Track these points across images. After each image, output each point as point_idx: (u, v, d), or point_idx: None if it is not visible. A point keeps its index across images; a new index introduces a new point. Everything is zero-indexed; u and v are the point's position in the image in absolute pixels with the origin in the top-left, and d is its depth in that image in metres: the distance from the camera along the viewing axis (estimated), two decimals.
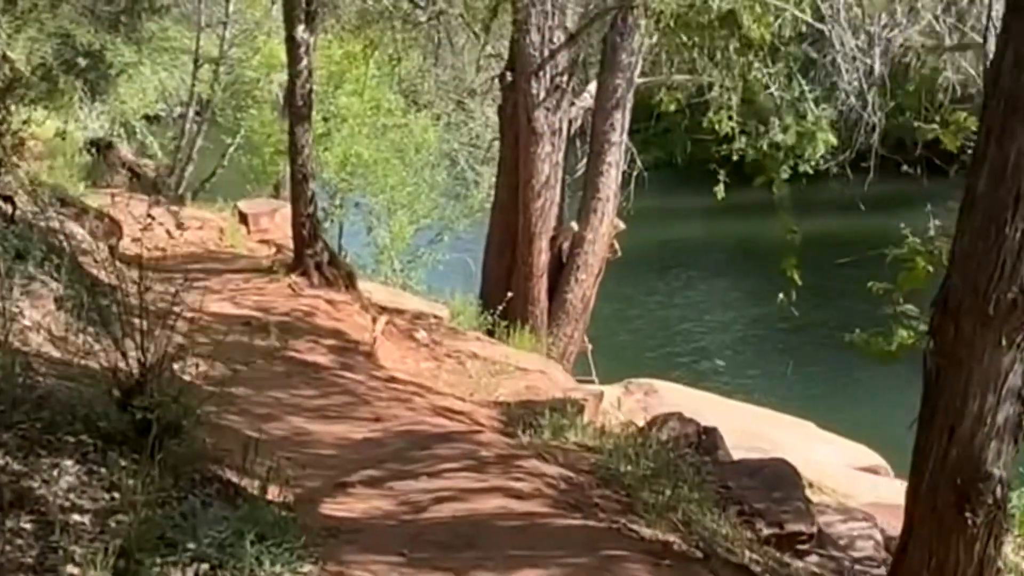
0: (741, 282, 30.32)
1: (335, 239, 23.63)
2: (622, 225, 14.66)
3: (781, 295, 10.09)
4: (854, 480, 11.61)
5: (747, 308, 27.92)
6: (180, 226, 8.98)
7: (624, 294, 23.38)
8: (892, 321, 8.20)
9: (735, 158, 13.05)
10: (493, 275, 14.39)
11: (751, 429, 13.17)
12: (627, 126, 14.41)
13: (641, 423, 12.22)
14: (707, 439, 9.07)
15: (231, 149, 22.98)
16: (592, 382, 15.14)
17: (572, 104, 14.48)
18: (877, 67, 12.49)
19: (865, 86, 12.94)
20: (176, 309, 5.31)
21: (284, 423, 6.76)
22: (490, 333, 12.45)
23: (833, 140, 13.00)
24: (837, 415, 19.59)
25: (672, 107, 13.37)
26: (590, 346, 14.92)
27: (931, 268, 7.64)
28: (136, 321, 5.03)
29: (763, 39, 10.58)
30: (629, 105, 14.32)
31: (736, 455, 12.42)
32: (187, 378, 5.45)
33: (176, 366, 5.14)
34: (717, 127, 12.14)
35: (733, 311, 27.81)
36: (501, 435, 7.15)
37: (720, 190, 13.51)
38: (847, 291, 30.18)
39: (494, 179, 20.44)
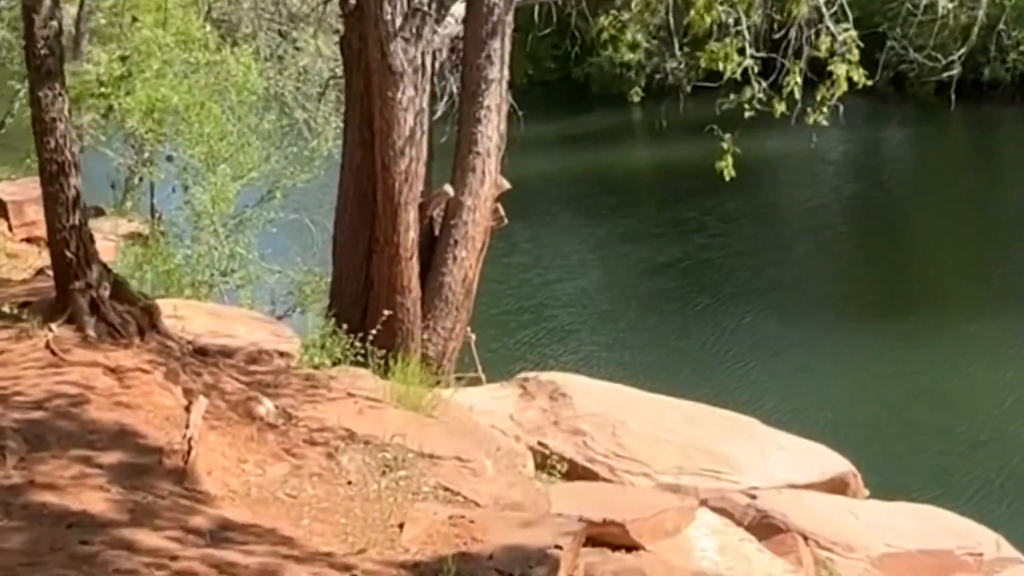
0: (614, 225, 27.50)
1: (146, 200, 20.25)
2: (507, 184, 11.58)
3: None
4: (844, 522, 8.83)
5: (630, 257, 25.24)
6: None
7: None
8: None
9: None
10: (348, 258, 11.22)
11: (693, 441, 10.32)
12: (507, 58, 11.30)
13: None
14: None
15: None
16: (478, 381, 12.16)
17: (435, 33, 11.30)
18: None
19: None
20: None
21: None
22: (360, 362, 9.40)
23: None
24: (765, 394, 17.04)
25: None
26: (473, 336, 11.90)
27: None
28: None
29: None
30: (509, 31, 11.21)
31: (693, 482, 9.59)
32: None
33: None
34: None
35: (615, 267, 25.04)
36: None
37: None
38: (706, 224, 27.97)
39: (336, 125, 17.23)
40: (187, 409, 5.79)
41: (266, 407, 6.20)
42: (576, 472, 9.81)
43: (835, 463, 10.64)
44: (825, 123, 11.08)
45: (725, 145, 11.51)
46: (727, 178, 11.34)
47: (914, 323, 20.13)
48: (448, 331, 11.27)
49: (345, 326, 11.04)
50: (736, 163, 11.63)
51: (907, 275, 23.58)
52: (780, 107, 11.01)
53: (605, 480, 9.63)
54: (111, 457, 5.25)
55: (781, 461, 10.32)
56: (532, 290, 23.25)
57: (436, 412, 7.62)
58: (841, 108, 11.45)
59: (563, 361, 18.94)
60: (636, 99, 17.98)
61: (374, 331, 10.12)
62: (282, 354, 8.11)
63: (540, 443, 10.17)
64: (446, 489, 5.85)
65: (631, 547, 7.19)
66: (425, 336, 11.15)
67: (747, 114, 11.27)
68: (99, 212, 20.77)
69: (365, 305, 11.09)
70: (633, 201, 30.80)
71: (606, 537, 7.08)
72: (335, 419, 6.29)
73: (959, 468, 14.43)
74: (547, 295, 23.18)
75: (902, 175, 31.45)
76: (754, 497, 8.92)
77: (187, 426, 5.58)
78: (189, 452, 5.36)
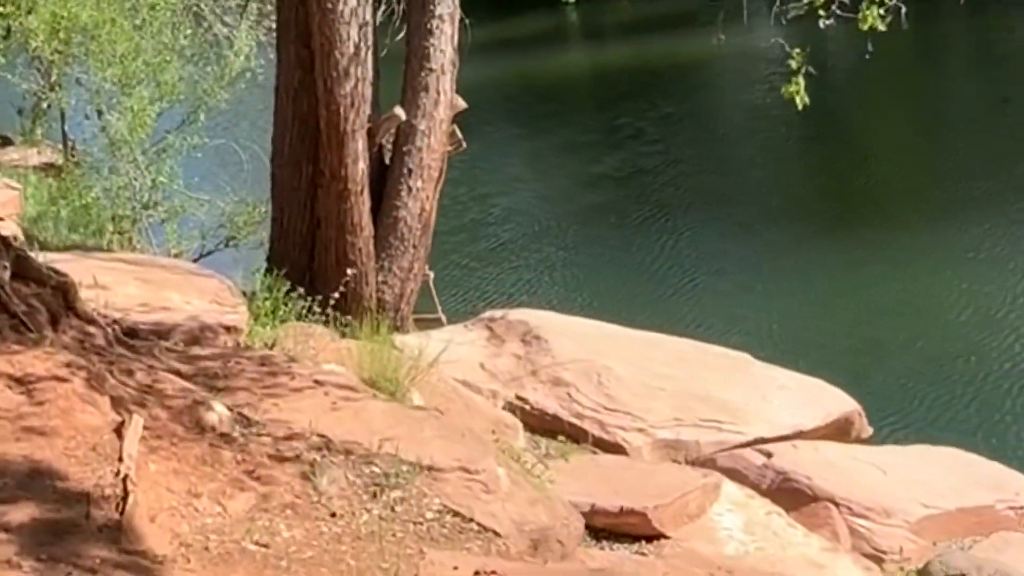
0: (549, 135, 26.18)
1: (57, 127, 18.70)
2: (463, 104, 10.33)
3: None
4: (874, 481, 7.80)
5: (567, 169, 23.99)
6: None
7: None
8: None
9: None
10: (290, 195, 9.94)
11: (687, 386, 9.28)
12: None
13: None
14: None
15: None
16: (438, 322, 11.01)
17: None
18: None
19: None
20: None
21: None
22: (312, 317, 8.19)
23: None
24: (722, 316, 15.93)
25: None
26: (431, 274, 10.72)
27: None
28: None
29: None
30: None
31: (693, 435, 8.52)
32: None
33: None
34: None
35: (554, 180, 23.74)
36: None
37: None
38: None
39: (260, 41, 15.81)
40: (118, 432, 4.53)
41: (218, 413, 4.98)
42: (563, 429, 8.74)
43: (838, 401, 9.66)
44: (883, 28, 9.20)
45: (794, 63, 8.90)
46: (800, 106, 8.85)
47: (867, 233, 19.16)
48: (405, 271, 10.07)
49: (289, 270, 9.86)
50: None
51: (856, 182, 22.52)
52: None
53: (597, 438, 8.56)
54: (20, 513, 3.94)
55: (783, 403, 9.30)
56: (465, 211, 21.94)
57: (417, 390, 6.43)
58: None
59: (506, 287, 17.86)
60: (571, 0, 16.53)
61: (336, 292, 8.89)
62: (228, 329, 6.84)
63: (519, 397, 9.08)
64: (455, 514, 4.69)
65: (652, 536, 6.12)
66: (380, 278, 9.95)
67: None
68: (6, 141, 19.24)
69: (312, 247, 9.87)
70: (569, 108, 29.47)
71: (624, 527, 6.02)
72: (305, 421, 5.09)
73: (939, 388, 13.49)
74: (483, 215, 21.89)
75: (850, 74, 30.37)
76: (769, 455, 7.88)
77: (120, 458, 4.34)
78: (125, 497, 4.12)
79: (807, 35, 9.72)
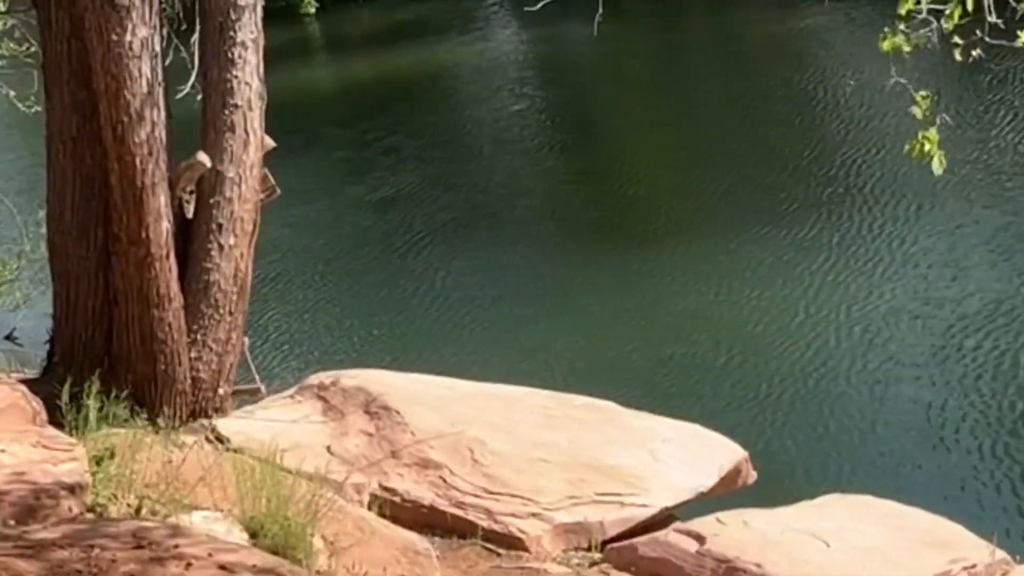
0: (299, 159, 24.49)
1: None
2: (271, 143, 8.86)
3: None
4: (822, 556, 6.77)
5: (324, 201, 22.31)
6: None
7: None
8: None
9: None
10: (77, 267, 8.21)
11: (571, 454, 8.09)
12: None
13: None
14: None
15: None
16: (256, 391, 9.52)
17: None
18: None
19: None
20: None
21: None
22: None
23: None
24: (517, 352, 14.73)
25: None
26: (246, 340, 9.19)
27: None
28: None
29: None
30: None
31: (595, 515, 7.35)
32: None
33: None
34: None
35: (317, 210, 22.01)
36: None
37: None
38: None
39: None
40: None
41: None
42: (443, 523, 7.43)
43: (726, 450, 8.67)
44: None
45: (918, 110, 6.19)
46: (939, 171, 6.14)
47: (649, 243, 18.48)
48: (222, 343, 8.53)
49: (80, 356, 8.23)
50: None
51: (623, 194, 21.82)
52: None
53: (487, 530, 7.28)
54: None
55: (674, 462, 8.23)
56: None
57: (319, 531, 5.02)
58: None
59: (285, 336, 16.35)
60: (311, 10, 15.10)
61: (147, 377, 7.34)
62: (71, 489, 5.11)
63: (385, 487, 7.71)
64: None
65: None
66: (194, 354, 8.39)
67: None
68: None
69: (108, 326, 8.22)
70: (316, 125, 27.80)
71: None
72: None
73: (784, 410, 12.79)
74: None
75: (596, 76, 29.83)
76: (701, 539, 6.75)
77: None
78: None
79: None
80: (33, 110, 11.94)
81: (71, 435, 6.69)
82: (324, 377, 9.22)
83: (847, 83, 23.73)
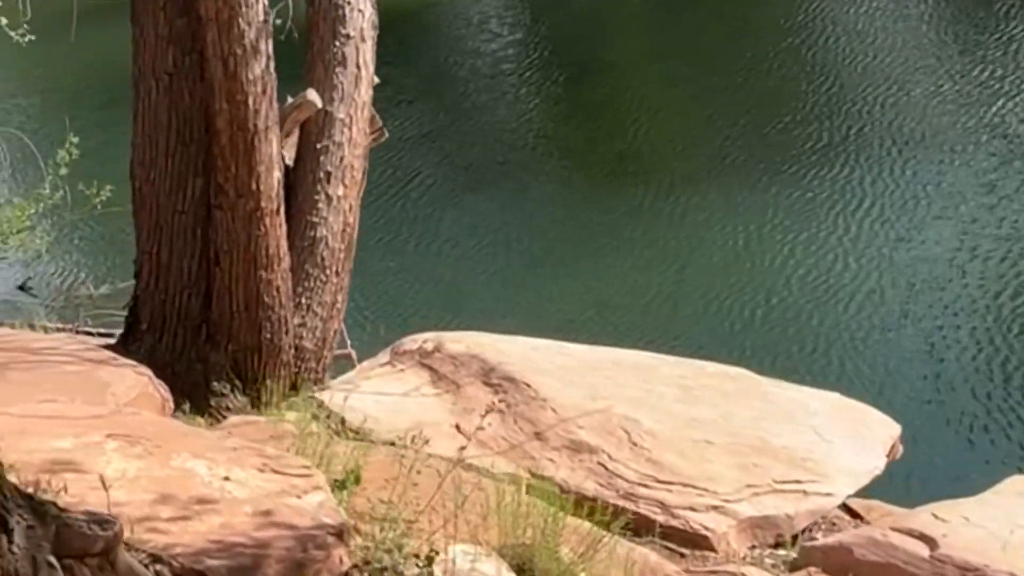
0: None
1: None
2: (376, 78, 7.85)
3: None
4: None
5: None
6: None
7: None
8: None
9: None
10: (172, 222, 7.16)
11: (734, 434, 7.26)
12: None
13: None
14: None
15: None
16: (348, 357, 8.60)
17: None
18: None
19: None
20: None
21: None
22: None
23: None
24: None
25: None
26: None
27: None
28: None
29: None
30: None
31: (781, 507, 6.54)
32: None
33: None
34: None
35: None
36: None
37: None
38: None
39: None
40: None
41: None
42: (606, 511, 6.55)
43: (879, 423, 7.92)
44: None
45: None
46: None
47: (672, 188, 17.54)
48: (328, 307, 7.58)
49: (176, 323, 7.26)
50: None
51: (639, 129, 20.79)
52: None
53: (665, 526, 6.43)
54: None
55: (840, 440, 7.44)
56: None
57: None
58: None
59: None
60: None
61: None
62: (337, 534, 3.93)
63: (535, 475, 6.81)
64: None
65: None
66: (298, 321, 7.43)
67: None
68: None
69: (207, 290, 7.22)
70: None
71: None
72: None
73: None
74: None
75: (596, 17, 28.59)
76: (931, 542, 5.94)
77: None
78: None
79: None
80: (27, 39, 10.67)
81: (207, 425, 5.74)
82: (421, 341, 8.30)
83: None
